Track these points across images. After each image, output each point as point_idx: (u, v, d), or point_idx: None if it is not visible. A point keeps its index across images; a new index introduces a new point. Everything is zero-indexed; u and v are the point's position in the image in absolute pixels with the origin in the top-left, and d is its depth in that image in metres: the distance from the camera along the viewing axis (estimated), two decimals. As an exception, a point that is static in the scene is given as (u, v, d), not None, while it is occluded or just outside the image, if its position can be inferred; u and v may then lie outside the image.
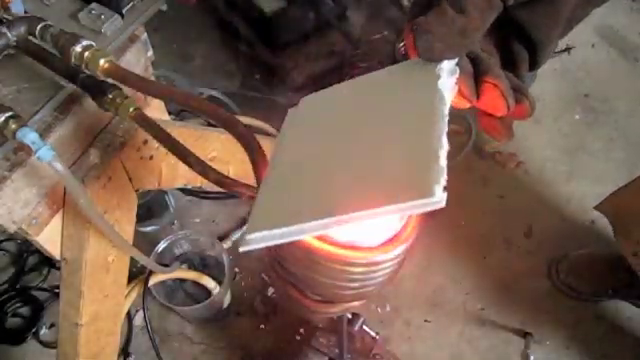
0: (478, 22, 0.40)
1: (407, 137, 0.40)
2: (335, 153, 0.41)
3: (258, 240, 0.37)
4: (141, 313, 1.55)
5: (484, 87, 0.43)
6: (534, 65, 0.49)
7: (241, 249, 0.38)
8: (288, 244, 0.40)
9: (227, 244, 1.67)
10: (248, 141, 0.48)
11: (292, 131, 0.45)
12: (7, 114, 0.62)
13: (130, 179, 0.93)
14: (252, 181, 0.47)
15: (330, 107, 0.46)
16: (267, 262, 0.52)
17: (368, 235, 0.45)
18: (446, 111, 0.41)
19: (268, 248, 0.45)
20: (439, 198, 0.34)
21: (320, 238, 0.43)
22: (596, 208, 1.51)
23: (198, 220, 1.78)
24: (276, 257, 0.49)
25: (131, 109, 0.65)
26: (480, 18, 0.40)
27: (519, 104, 0.43)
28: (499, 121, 0.45)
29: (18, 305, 1.60)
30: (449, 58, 0.42)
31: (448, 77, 0.43)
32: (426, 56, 0.42)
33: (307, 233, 0.38)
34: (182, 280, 1.62)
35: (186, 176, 0.99)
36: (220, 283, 1.51)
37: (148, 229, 1.69)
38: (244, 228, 1.70)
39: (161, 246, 1.49)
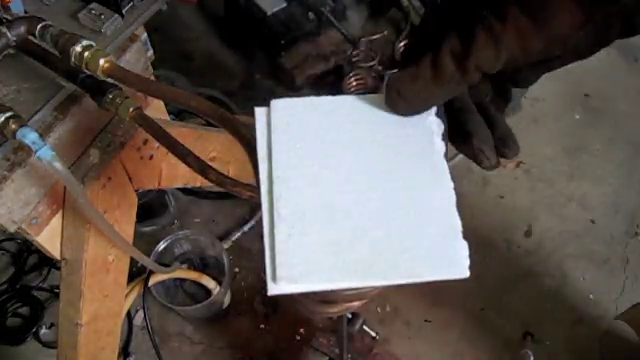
0: (448, 94, 0.43)
1: (420, 196, 0.43)
2: (349, 194, 0.43)
3: (291, 289, 0.39)
4: (141, 313, 1.55)
5: (468, 145, 0.45)
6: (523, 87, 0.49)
7: (270, 293, 0.39)
8: None
9: (227, 244, 1.67)
10: (248, 141, 0.48)
11: (283, 144, 0.45)
12: (7, 114, 0.62)
13: (130, 179, 0.93)
14: (252, 181, 0.46)
15: (320, 127, 0.46)
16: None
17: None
18: (446, 166, 0.45)
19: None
20: (467, 274, 0.40)
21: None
22: (619, 318, 1.50)
23: (198, 220, 1.78)
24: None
25: (131, 109, 0.65)
26: (452, 91, 0.43)
27: (503, 155, 0.46)
28: None
29: (18, 305, 1.61)
30: (412, 115, 0.46)
31: (438, 127, 0.46)
32: (390, 109, 0.46)
33: (342, 287, 0.40)
34: (182, 280, 1.62)
35: (186, 176, 0.99)
36: (220, 283, 1.51)
37: (148, 229, 1.69)
38: (244, 228, 1.70)
39: (161, 246, 1.49)
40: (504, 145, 0.45)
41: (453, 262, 0.41)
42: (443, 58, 0.40)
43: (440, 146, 0.45)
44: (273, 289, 0.39)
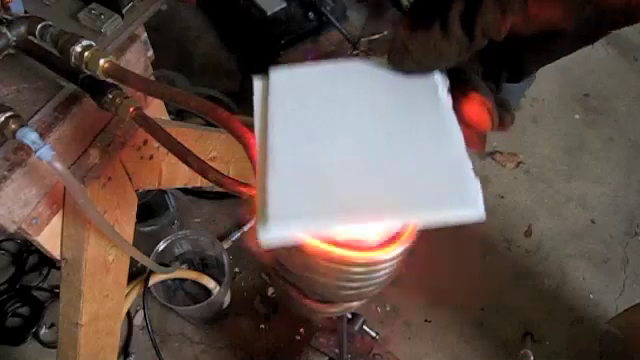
0: (455, 55, 0.42)
1: (425, 143, 0.40)
2: (348, 145, 0.41)
3: (283, 233, 0.36)
4: (141, 313, 1.56)
5: (470, 102, 0.44)
6: (516, 79, 0.49)
7: (263, 238, 0.35)
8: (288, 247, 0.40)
9: (227, 244, 1.67)
10: (247, 141, 0.48)
11: (280, 110, 0.43)
12: (7, 114, 0.62)
13: (130, 179, 0.93)
14: (252, 181, 0.46)
15: (319, 89, 0.45)
16: (267, 261, 0.51)
17: (368, 234, 0.44)
18: (452, 114, 0.42)
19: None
20: (482, 214, 0.35)
21: (319, 238, 0.43)
22: (609, 323, 1.51)
23: (198, 220, 1.78)
24: (276, 256, 0.49)
25: (131, 109, 0.65)
26: (458, 53, 0.42)
27: (501, 120, 0.45)
28: (476, 133, 0.45)
29: (18, 305, 1.61)
30: (417, 73, 0.44)
31: (443, 81, 0.44)
32: (394, 67, 0.45)
33: (339, 225, 0.37)
34: (182, 280, 1.62)
35: (186, 176, 0.99)
36: (220, 283, 1.51)
37: (148, 229, 1.69)
38: (244, 228, 1.70)
39: (161, 246, 1.49)
40: (502, 107, 0.44)
41: (464, 200, 0.36)
42: (451, 22, 0.40)
43: (446, 97, 0.44)
44: (264, 234, 0.36)
